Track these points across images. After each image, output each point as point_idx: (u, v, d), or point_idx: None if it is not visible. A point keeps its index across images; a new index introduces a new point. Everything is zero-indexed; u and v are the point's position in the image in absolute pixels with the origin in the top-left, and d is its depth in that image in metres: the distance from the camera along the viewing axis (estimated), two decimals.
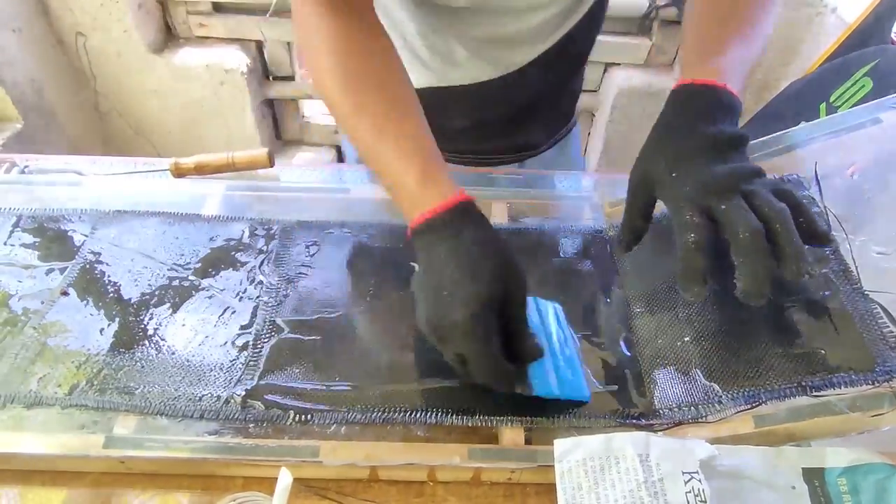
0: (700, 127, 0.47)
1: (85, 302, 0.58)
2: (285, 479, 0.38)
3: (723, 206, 0.43)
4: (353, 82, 0.52)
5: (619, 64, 1.51)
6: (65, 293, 0.59)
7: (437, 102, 0.70)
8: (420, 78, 0.71)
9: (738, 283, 0.43)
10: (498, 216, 0.69)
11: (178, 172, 0.71)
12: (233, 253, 0.63)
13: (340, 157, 1.67)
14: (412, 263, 0.61)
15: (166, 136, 1.56)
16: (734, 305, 0.55)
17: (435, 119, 0.70)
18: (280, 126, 1.70)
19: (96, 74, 1.43)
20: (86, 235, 0.64)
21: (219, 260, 0.63)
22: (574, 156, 0.88)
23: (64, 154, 0.76)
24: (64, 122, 1.40)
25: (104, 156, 0.76)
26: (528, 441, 0.50)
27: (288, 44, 1.54)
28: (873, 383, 0.46)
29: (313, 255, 0.64)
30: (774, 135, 0.66)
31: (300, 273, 0.62)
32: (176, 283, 0.60)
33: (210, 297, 0.59)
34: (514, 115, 0.75)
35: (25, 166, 0.74)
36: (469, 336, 0.44)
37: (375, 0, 0.59)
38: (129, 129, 1.54)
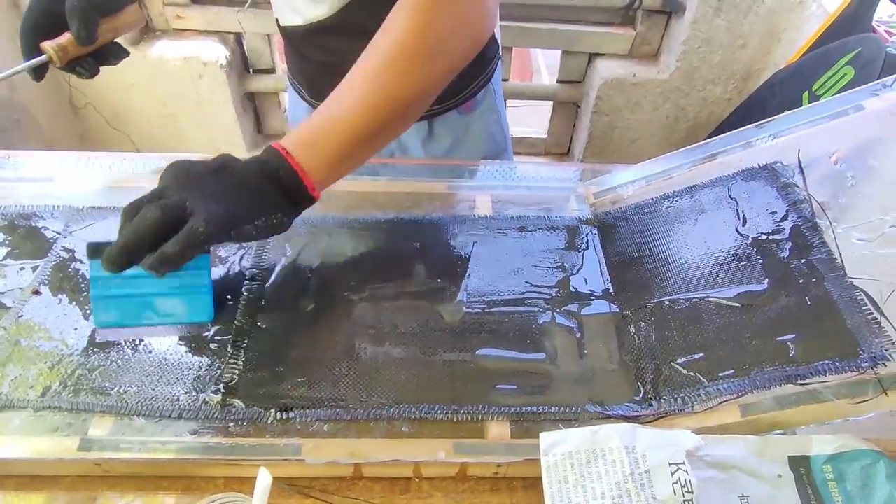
0: None
1: (58, 301, 0.57)
2: (265, 479, 0.37)
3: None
4: None
5: (603, 54, 1.51)
6: (37, 292, 0.57)
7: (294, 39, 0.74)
8: (281, 17, 0.74)
9: None
10: (482, 208, 0.69)
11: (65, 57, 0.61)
12: (214, 248, 0.62)
13: None
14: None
15: (145, 130, 1.53)
16: (722, 295, 0.55)
17: (318, 62, 0.75)
18: (262, 120, 1.67)
19: None
20: (58, 233, 0.63)
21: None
22: (491, 129, 0.85)
23: (39, 150, 0.74)
24: (38, 118, 1.37)
25: (78, 151, 0.74)
26: (513, 435, 0.49)
27: (268, 36, 1.51)
28: (858, 370, 0.45)
29: (293, 250, 0.62)
30: (758, 123, 0.66)
31: (280, 269, 0.60)
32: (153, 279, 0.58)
33: None
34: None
35: None
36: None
37: None
38: (106, 124, 1.51)
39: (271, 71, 1.59)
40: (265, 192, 0.50)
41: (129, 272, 0.49)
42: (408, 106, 0.55)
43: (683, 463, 0.41)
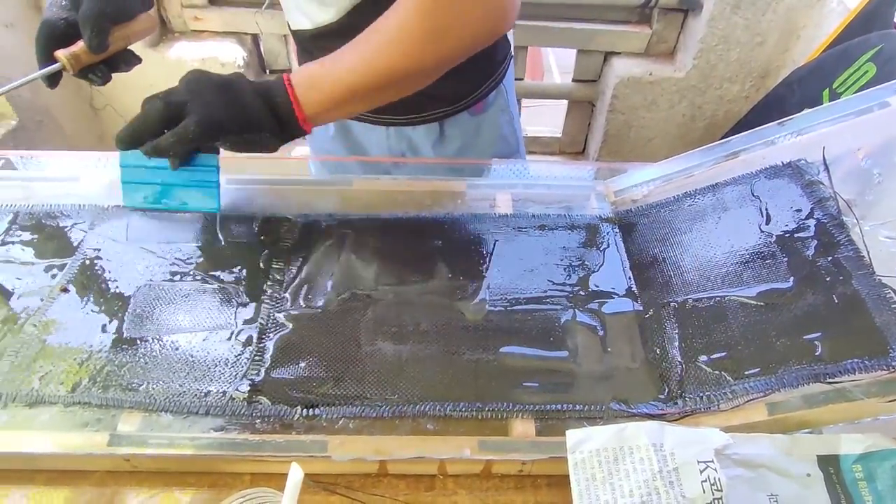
0: None
1: (85, 298, 0.57)
2: (296, 474, 0.37)
3: None
4: None
5: (619, 53, 1.50)
6: (65, 290, 0.58)
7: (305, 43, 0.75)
8: (292, 21, 0.75)
9: None
10: (503, 206, 0.69)
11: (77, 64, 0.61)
12: (235, 247, 0.62)
13: None
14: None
15: None
16: (746, 292, 0.54)
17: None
18: None
19: None
20: (85, 231, 0.64)
21: (220, 254, 0.62)
22: (500, 125, 0.84)
23: (59, 150, 0.75)
24: (59, 119, 1.39)
25: (99, 152, 0.75)
26: (538, 432, 0.49)
27: (284, 37, 1.52)
28: (888, 368, 0.45)
29: (318, 247, 0.63)
30: (782, 120, 0.65)
31: (304, 266, 0.61)
32: (178, 278, 0.59)
33: (213, 292, 0.58)
34: None
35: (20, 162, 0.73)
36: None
37: None
38: (124, 124, 1.53)
39: (287, 71, 1.59)
40: (260, 111, 0.56)
41: (151, 163, 0.61)
42: (407, 78, 0.59)
43: (712, 461, 0.41)
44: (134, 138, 0.57)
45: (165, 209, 0.64)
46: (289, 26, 0.77)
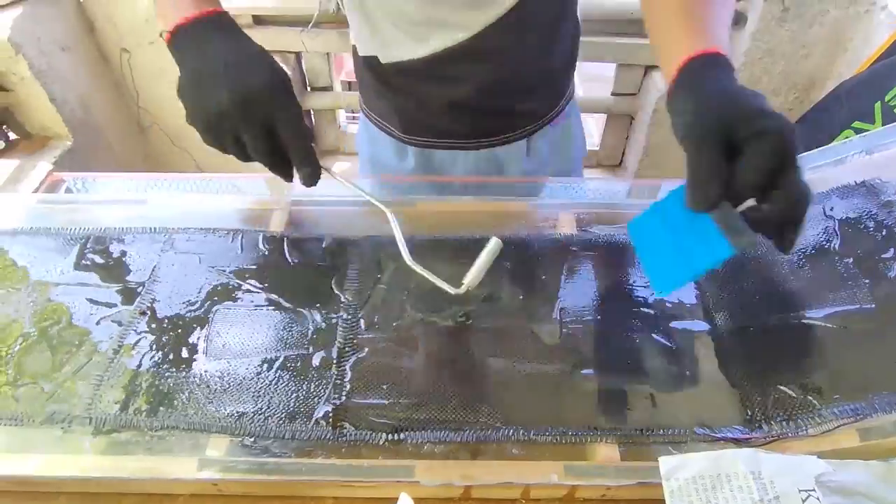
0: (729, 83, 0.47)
1: (165, 322, 0.59)
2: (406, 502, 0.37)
3: None
4: None
5: (658, 67, 1.50)
6: (143, 313, 0.59)
7: (407, 78, 0.72)
8: (382, 55, 0.72)
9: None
10: (566, 226, 0.69)
11: None
12: (307, 269, 0.63)
13: None
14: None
15: (206, 149, 1.56)
16: (828, 316, 0.54)
17: (408, 96, 0.74)
18: (317, 135, 1.71)
19: (139, 90, 1.46)
20: (158, 254, 0.65)
21: (291, 277, 0.63)
22: (574, 135, 0.86)
23: (111, 171, 0.77)
24: (109, 139, 1.43)
25: (153, 172, 0.76)
26: (622, 457, 0.49)
27: (327, 55, 1.55)
28: None
29: (387, 270, 0.63)
30: (852, 139, 0.65)
31: (375, 289, 0.61)
32: (252, 301, 0.60)
33: (287, 316, 0.59)
34: (493, 88, 0.73)
35: (78, 184, 0.76)
36: (242, 115, 0.49)
37: None
38: (169, 143, 1.56)
39: (328, 88, 1.62)
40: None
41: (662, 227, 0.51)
42: None
43: (814, 490, 0.40)
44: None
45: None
46: (368, 60, 0.74)
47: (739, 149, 0.42)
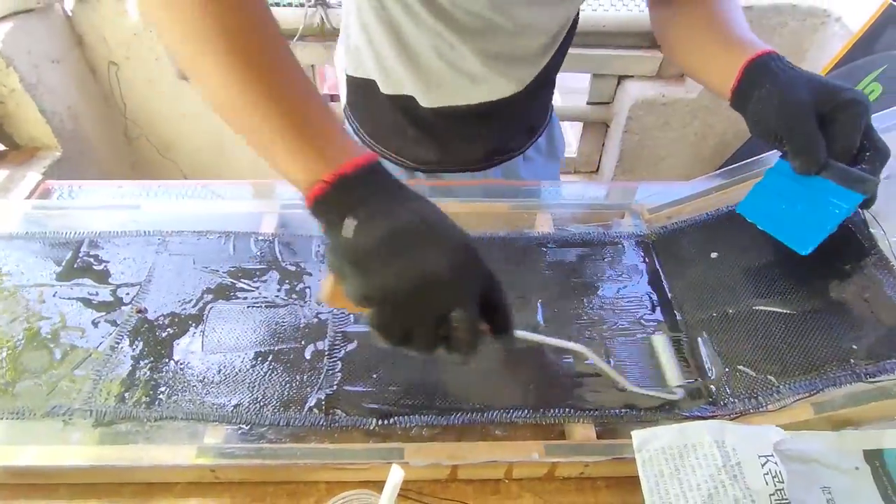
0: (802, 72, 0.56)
1: (161, 319, 0.61)
2: (396, 475, 0.40)
3: None
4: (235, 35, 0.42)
5: (631, 76, 1.56)
6: (140, 311, 0.62)
7: (446, 121, 0.73)
8: (426, 99, 0.72)
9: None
10: (543, 226, 0.73)
11: None
12: (297, 267, 0.66)
13: None
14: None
15: (193, 158, 1.60)
16: (782, 303, 0.58)
17: (441, 135, 0.75)
18: None
19: (126, 102, 1.48)
20: (152, 255, 0.67)
21: (284, 274, 0.65)
22: (557, 135, 0.91)
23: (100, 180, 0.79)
24: (97, 149, 1.45)
25: (144, 180, 0.79)
26: (599, 436, 0.53)
27: (312, 66, 1.58)
28: None
29: None
30: None
31: None
32: (245, 297, 0.63)
33: (280, 310, 0.62)
34: (507, 125, 0.79)
35: (68, 192, 0.77)
36: (456, 290, 0.38)
37: (377, 14, 0.65)
38: (156, 153, 1.58)
39: None
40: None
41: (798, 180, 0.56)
42: None
43: (772, 455, 0.44)
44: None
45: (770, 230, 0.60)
46: (402, 100, 0.73)
47: (829, 118, 0.52)
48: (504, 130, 0.79)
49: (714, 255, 0.65)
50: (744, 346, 0.57)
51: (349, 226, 0.39)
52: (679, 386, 0.55)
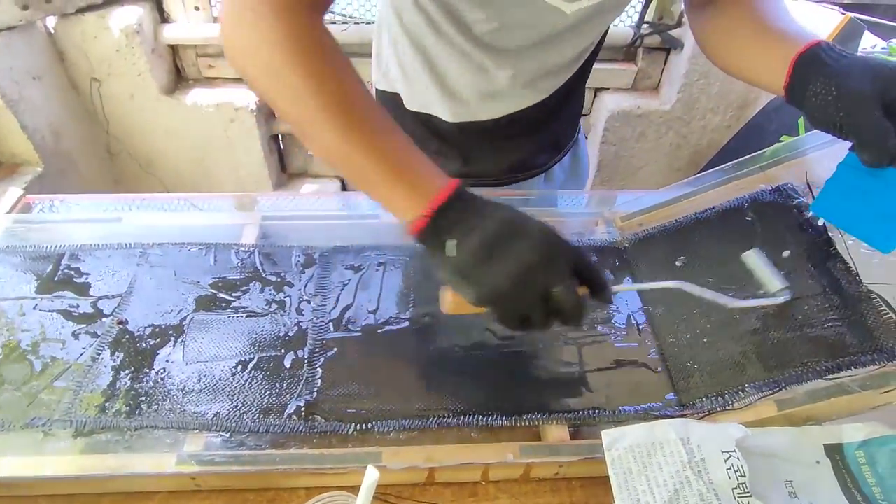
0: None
1: (142, 329, 0.61)
2: (371, 476, 0.41)
3: None
4: (324, 85, 0.48)
5: (608, 89, 1.60)
6: (121, 323, 0.62)
7: (469, 135, 0.74)
8: (450, 114, 0.73)
9: None
10: None
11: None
12: (277, 278, 0.67)
13: (345, 187, 1.72)
14: None
15: (176, 173, 1.60)
16: (746, 305, 0.60)
17: (464, 148, 0.74)
18: (286, 159, 1.75)
19: (109, 118, 1.48)
20: (133, 267, 0.68)
21: (265, 285, 0.67)
22: (582, 156, 0.93)
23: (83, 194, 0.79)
24: (79, 165, 1.45)
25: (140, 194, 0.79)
26: (572, 437, 0.54)
27: None
28: (881, 364, 0.51)
29: (353, 276, 0.68)
30: (769, 148, 0.72)
31: (343, 294, 0.66)
32: (227, 307, 0.64)
33: (261, 320, 0.63)
34: (531, 139, 0.80)
35: (49, 206, 0.78)
36: (550, 270, 0.44)
37: (408, 33, 0.65)
38: (138, 168, 1.58)
39: None
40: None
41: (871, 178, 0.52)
42: None
43: (735, 451, 0.46)
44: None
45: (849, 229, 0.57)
46: (424, 117, 0.74)
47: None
48: (528, 144, 0.79)
49: (679, 261, 0.67)
50: (711, 348, 0.59)
51: (451, 246, 0.45)
52: (782, 289, 0.55)
